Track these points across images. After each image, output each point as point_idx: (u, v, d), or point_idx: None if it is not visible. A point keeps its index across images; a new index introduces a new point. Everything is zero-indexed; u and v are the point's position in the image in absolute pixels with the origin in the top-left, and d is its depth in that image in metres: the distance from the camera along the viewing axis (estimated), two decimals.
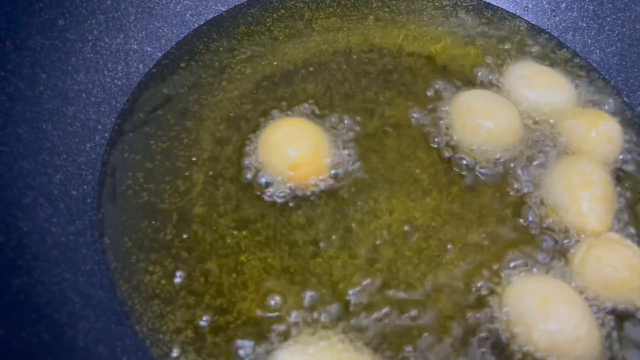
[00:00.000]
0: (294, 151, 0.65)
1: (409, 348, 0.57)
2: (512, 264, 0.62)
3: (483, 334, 0.58)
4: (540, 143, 0.70)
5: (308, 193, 0.65)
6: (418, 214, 0.65)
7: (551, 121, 0.71)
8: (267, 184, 0.65)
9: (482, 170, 0.68)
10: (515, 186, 0.67)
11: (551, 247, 0.63)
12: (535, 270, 0.61)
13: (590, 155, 0.67)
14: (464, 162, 0.68)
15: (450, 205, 0.66)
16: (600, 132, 0.68)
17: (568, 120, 0.70)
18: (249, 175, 0.66)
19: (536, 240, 0.63)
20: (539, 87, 0.73)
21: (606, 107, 0.75)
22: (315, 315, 0.58)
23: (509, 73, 0.76)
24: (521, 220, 0.65)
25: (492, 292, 0.60)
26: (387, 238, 0.63)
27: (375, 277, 0.61)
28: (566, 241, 0.63)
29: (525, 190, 0.66)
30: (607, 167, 0.67)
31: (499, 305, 0.59)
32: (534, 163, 0.68)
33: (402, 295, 0.60)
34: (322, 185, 0.65)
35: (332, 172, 0.66)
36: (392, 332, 0.57)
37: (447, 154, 0.69)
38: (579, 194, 0.63)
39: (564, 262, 0.61)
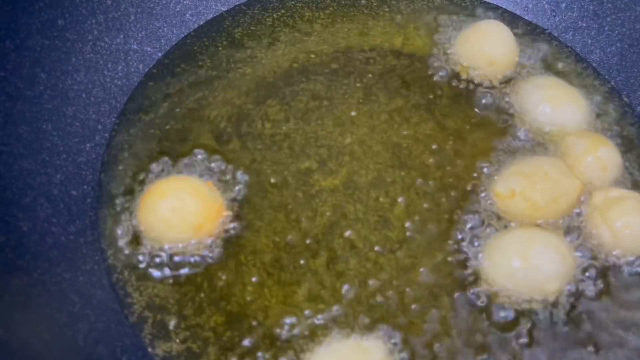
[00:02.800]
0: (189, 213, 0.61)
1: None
2: None
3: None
4: (534, 147, 0.70)
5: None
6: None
7: (556, 134, 0.71)
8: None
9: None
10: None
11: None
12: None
13: (580, 176, 0.66)
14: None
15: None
16: (597, 158, 0.67)
17: (570, 137, 0.70)
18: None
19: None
20: (554, 100, 0.72)
21: (604, 107, 0.76)
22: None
23: (528, 81, 0.76)
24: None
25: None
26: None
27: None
28: None
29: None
30: (577, 179, 0.66)
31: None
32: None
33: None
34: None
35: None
36: (384, 312, 0.58)
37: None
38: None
39: (581, 238, 0.63)
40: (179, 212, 0.60)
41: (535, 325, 0.59)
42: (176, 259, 0.61)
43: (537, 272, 0.59)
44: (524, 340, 0.58)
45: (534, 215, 0.64)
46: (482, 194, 0.67)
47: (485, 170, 0.69)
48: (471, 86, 0.76)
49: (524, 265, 0.59)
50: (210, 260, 0.61)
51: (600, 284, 0.61)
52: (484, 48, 0.76)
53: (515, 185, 0.64)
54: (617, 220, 0.62)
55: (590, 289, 0.60)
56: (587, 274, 0.61)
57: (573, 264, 0.61)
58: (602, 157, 0.67)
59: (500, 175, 0.67)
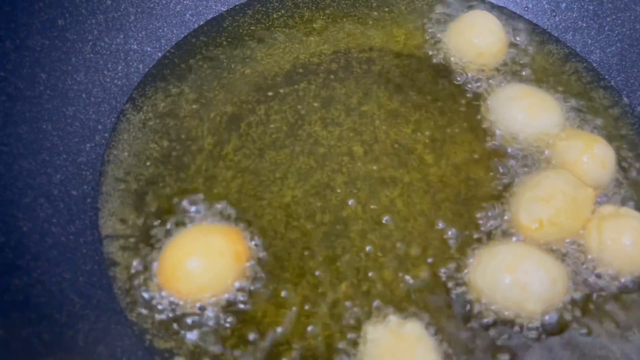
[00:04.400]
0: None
1: None
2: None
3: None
4: (529, 159, 0.69)
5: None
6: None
7: (544, 142, 0.70)
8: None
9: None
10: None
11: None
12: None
13: (582, 178, 0.66)
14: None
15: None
16: (594, 156, 0.67)
17: (562, 142, 0.69)
18: None
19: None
20: (530, 109, 0.71)
21: (604, 107, 0.76)
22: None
23: (498, 94, 0.75)
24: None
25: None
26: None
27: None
28: None
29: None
30: (589, 188, 0.65)
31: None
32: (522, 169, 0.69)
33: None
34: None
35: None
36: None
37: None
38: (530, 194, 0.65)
39: (579, 249, 0.63)
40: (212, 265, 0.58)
41: (511, 337, 0.58)
42: None
43: (522, 289, 0.57)
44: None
45: (560, 237, 0.63)
46: (479, 196, 0.67)
47: (481, 173, 0.69)
48: (468, 83, 0.76)
49: (509, 279, 0.58)
50: None
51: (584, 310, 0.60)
52: (471, 39, 0.77)
53: (541, 214, 0.63)
54: (609, 239, 0.61)
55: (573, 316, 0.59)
56: (573, 297, 0.60)
57: (563, 291, 0.59)
58: (599, 154, 0.67)
59: (516, 203, 0.65)
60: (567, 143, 0.69)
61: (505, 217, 0.65)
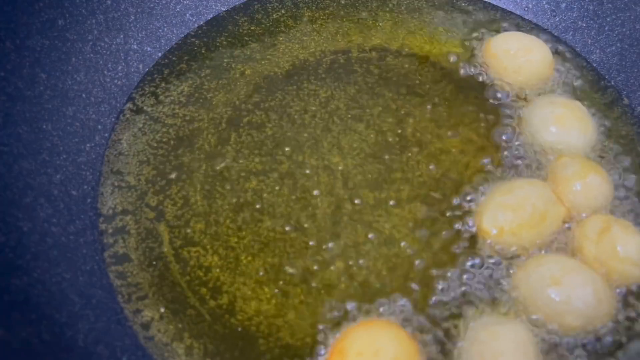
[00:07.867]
0: None
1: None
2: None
3: None
4: (528, 162, 0.69)
5: None
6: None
7: (554, 153, 0.70)
8: None
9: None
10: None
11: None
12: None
13: (565, 198, 0.65)
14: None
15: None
16: (585, 184, 0.65)
17: (565, 158, 0.68)
18: None
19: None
20: (562, 121, 0.71)
21: (604, 107, 0.76)
22: None
23: (540, 98, 0.75)
24: None
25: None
26: None
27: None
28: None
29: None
30: (562, 206, 0.65)
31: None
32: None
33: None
34: None
35: None
36: None
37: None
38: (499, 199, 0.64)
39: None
40: None
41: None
42: None
43: (565, 301, 0.57)
44: None
45: (516, 245, 0.62)
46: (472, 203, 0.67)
47: (479, 178, 0.69)
48: (476, 87, 0.76)
49: (555, 289, 0.57)
50: None
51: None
52: (523, 64, 0.76)
53: (503, 222, 0.62)
54: (621, 252, 0.60)
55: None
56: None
57: (604, 313, 0.58)
58: (590, 184, 0.66)
59: (484, 206, 0.65)
60: (568, 161, 0.68)
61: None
